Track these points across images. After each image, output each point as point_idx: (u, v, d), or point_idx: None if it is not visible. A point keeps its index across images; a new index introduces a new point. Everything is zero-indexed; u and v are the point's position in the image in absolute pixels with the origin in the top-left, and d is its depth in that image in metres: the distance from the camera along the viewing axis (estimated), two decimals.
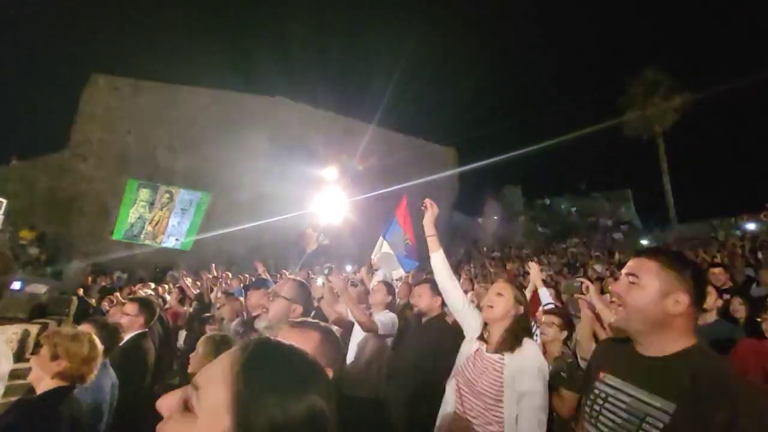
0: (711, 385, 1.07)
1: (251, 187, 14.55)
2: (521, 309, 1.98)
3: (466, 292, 5.44)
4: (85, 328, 2.19)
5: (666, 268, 1.21)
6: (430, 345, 2.64)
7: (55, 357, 1.80)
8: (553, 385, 2.21)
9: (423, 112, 20.53)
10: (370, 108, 17.38)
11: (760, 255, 9.11)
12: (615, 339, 1.38)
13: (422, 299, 2.82)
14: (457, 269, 12.81)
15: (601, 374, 1.30)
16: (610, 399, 1.24)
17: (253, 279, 8.99)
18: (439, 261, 2.27)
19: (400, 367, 2.77)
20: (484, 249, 16.67)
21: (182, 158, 15.11)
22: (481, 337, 2.00)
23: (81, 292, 8.66)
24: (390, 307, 3.25)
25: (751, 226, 16.91)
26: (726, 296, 3.72)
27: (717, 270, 4.64)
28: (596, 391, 1.29)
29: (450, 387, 1.99)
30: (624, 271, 1.28)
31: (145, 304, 2.88)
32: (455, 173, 19.16)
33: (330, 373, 1.19)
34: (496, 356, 1.87)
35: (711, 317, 3.17)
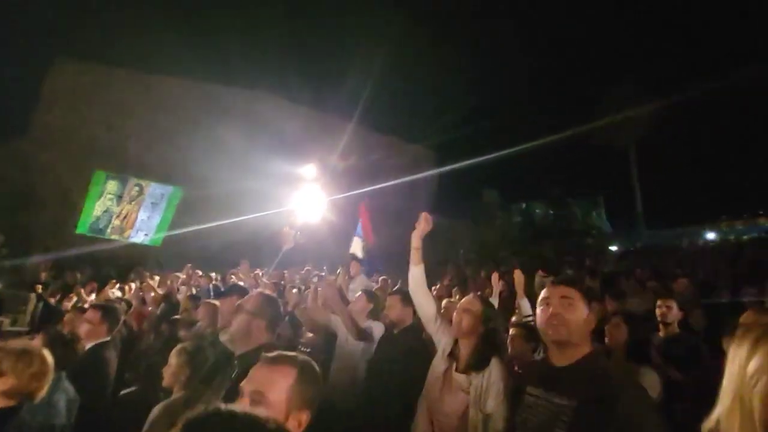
0: (600, 382, 1.36)
1: (226, 183, 14.17)
2: (490, 325, 1.97)
3: (441, 298, 5.50)
4: (37, 341, 2.06)
5: (583, 293, 1.54)
6: (402, 356, 2.62)
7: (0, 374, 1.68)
8: None
9: (402, 112, 20.44)
10: (349, 106, 17.17)
11: (720, 264, 9.57)
12: (537, 362, 1.67)
13: (393, 310, 2.80)
14: (434, 272, 12.89)
15: (527, 388, 1.54)
16: (533, 406, 1.48)
17: (223, 277, 8.78)
18: (417, 275, 2.25)
19: (374, 379, 2.75)
20: (461, 251, 16.86)
21: (154, 150, 14.55)
22: (452, 354, 1.98)
23: (40, 289, 8.21)
24: (372, 315, 3.23)
25: (710, 236, 17.93)
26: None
27: (682, 281, 4.86)
28: (524, 404, 1.52)
29: (421, 405, 1.97)
30: (558, 294, 1.53)
31: (109, 312, 2.73)
32: (434, 175, 19.26)
33: (304, 416, 1.13)
34: (463, 376, 1.86)
35: (674, 330, 3.28)
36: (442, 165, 19.28)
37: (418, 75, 22.56)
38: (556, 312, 1.47)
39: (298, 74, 18.04)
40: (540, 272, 5.18)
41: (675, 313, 3.27)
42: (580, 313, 1.47)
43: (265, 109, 16.69)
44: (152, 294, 5.92)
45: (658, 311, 3.33)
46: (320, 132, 17.13)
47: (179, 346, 2.34)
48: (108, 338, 2.70)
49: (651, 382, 2.24)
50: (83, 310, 3.04)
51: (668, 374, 2.72)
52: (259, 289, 2.03)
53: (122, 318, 2.99)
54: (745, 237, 17.92)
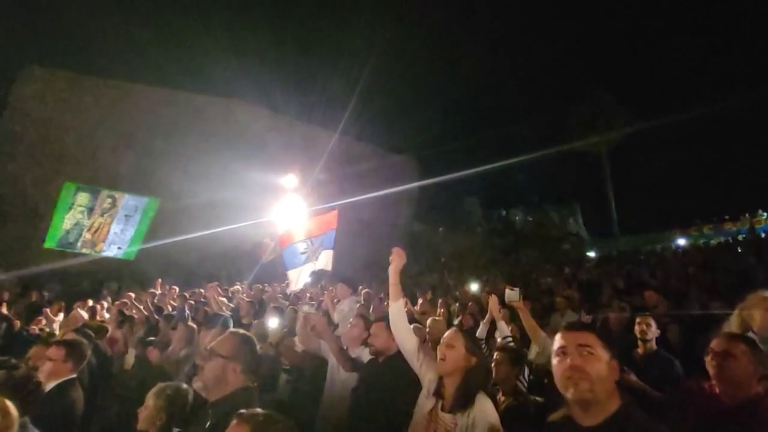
0: None
1: (203, 193, 13.84)
2: (474, 360, 1.92)
3: (425, 313, 5.46)
4: None
5: (601, 339, 1.34)
6: (386, 386, 2.56)
7: None
8: (510, 423, 2.21)
9: (385, 123, 20.54)
10: (332, 116, 17.10)
11: (690, 270, 9.85)
12: (557, 421, 1.45)
13: (378, 338, 2.70)
14: (417, 280, 12.89)
15: None
16: None
17: (202, 290, 8.51)
18: (396, 311, 2.21)
19: (357, 409, 2.68)
20: (443, 259, 16.94)
21: (128, 161, 14.11)
22: (437, 392, 1.94)
23: (5, 308, 7.76)
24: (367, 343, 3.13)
25: (681, 241, 18.61)
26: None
27: (653, 295, 4.98)
28: None
29: None
30: (575, 343, 1.33)
31: (74, 348, 2.57)
32: (415, 184, 19.36)
33: None
34: (449, 416, 1.82)
35: (652, 347, 3.33)
36: (424, 174, 19.44)
37: (400, 85, 22.75)
38: (575, 364, 1.28)
39: (279, 83, 17.89)
40: (507, 287, 5.14)
41: (654, 331, 3.32)
42: (602, 363, 1.28)
43: (244, 117, 16.45)
44: (132, 312, 5.76)
45: (637, 328, 3.38)
46: (301, 141, 16.99)
47: (158, 386, 2.20)
48: (74, 375, 2.55)
49: None
50: (49, 344, 2.84)
51: (648, 394, 2.76)
52: (233, 330, 1.92)
53: (89, 354, 2.82)
54: (712, 241, 18.65)
